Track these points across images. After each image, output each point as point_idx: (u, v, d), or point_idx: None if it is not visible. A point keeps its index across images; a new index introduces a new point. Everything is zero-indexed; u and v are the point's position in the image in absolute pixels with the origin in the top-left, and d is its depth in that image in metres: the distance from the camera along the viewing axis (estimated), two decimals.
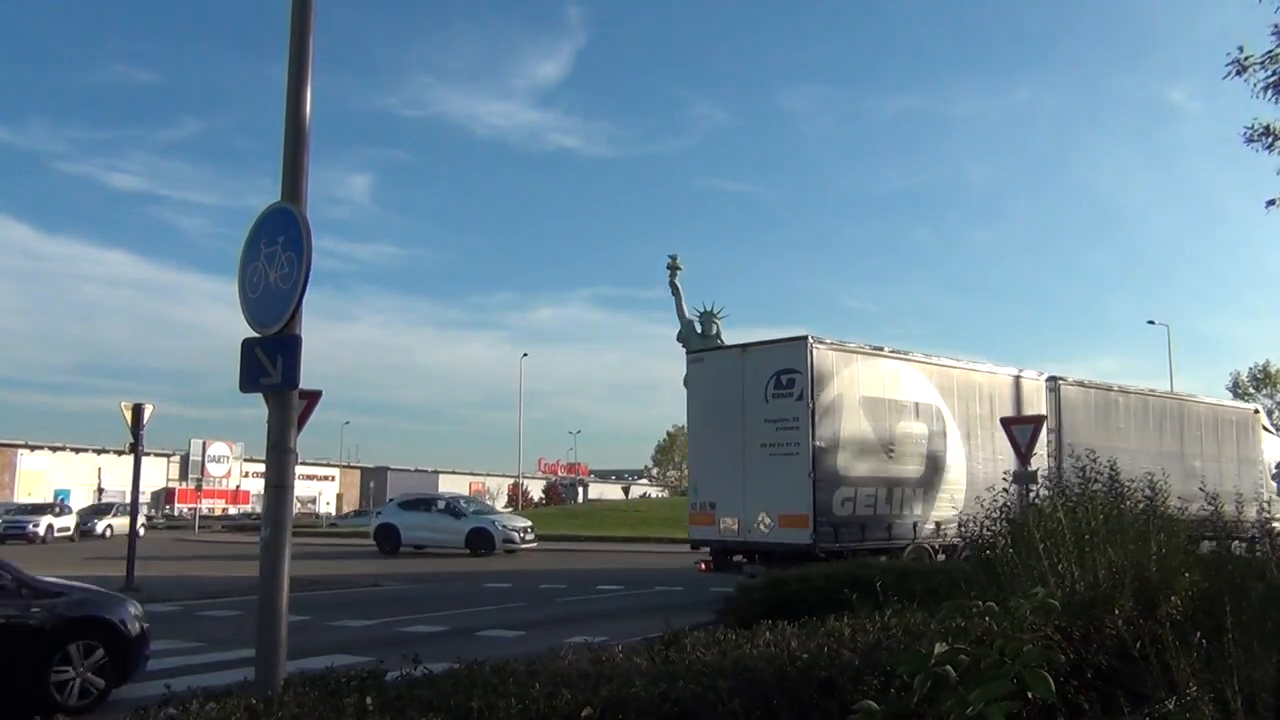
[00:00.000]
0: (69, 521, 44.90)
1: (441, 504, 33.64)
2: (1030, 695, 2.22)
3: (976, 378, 19.79)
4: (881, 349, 18.29)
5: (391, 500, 37.76)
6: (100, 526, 46.40)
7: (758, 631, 4.43)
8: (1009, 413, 19.08)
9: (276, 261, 6.20)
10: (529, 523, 33.75)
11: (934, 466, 18.01)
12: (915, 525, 17.23)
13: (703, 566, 17.60)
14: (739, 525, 16.78)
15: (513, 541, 31.49)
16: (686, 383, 18.29)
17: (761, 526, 16.38)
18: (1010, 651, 2.17)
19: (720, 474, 17.33)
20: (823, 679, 3.59)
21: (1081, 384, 22.26)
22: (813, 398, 16.05)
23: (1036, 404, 20.68)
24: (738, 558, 16.87)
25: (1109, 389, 23.05)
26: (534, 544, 32.42)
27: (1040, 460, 17.73)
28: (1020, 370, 21.06)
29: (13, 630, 8.14)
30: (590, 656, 3.70)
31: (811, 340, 16.51)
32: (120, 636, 8.89)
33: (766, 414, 16.39)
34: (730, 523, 16.93)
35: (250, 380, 6.26)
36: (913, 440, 17.68)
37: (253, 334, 6.24)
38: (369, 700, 2.82)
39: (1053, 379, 21.47)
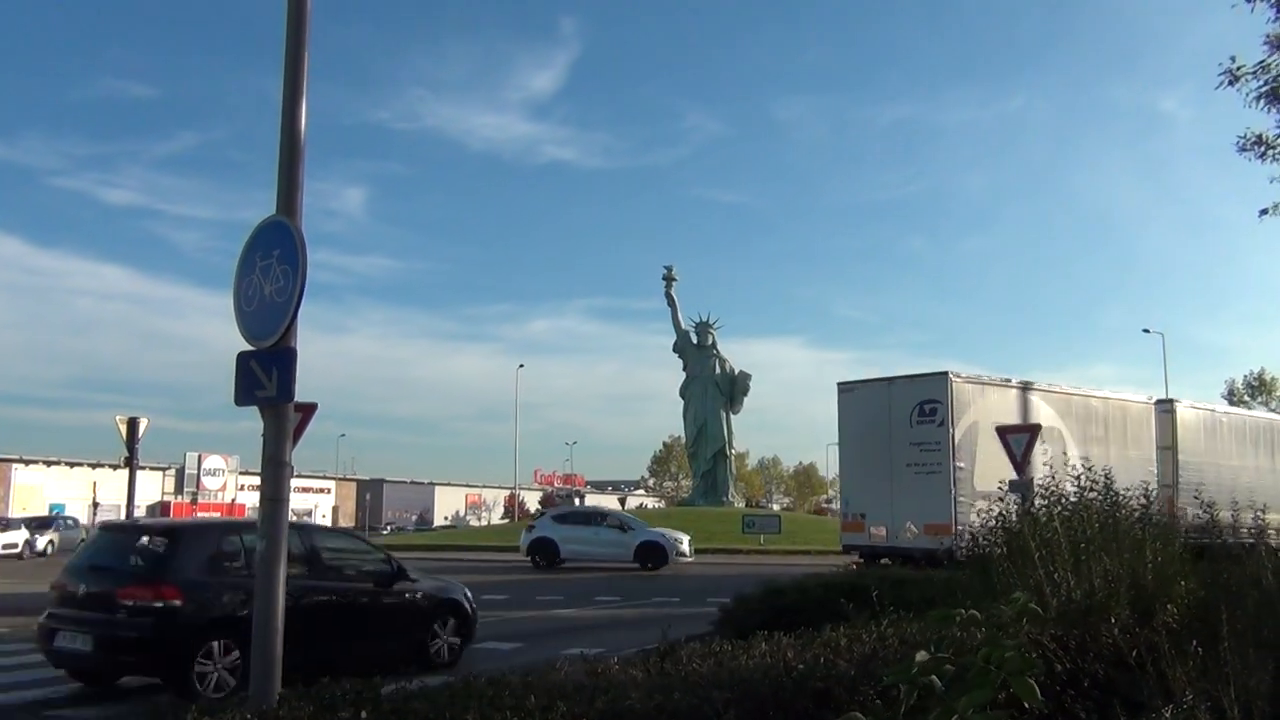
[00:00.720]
0: (17, 537, 41.71)
1: (603, 517, 32.51)
2: (1026, 705, 2.22)
3: (1093, 403, 22.09)
4: (1010, 380, 20.87)
5: (543, 514, 35.71)
6: (41, 542, 42.76)
7: (754, 642, 4.42)
8: (1121, 433, 21.79)
9: (272, 275, 6.20)
10: (689, 535, 32.06)
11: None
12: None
13: (854, 567, 19.14)
14: (887, 532, 19.16)
15: (684, 555, 30.22)
16: (838, 411, 20.67)
17: (908, 534, 18.67)
18: (994, 659, 2.17)
19: (870, 489, 19.66)
20: (818, 690, 3.58)
21: (1195, 406, 24.75)
22: (953, 424, 18.56)
23: (1146, 425, 22.92)
24: (884, 560, 18.23)
25: (1213, 410, 25.72)
26: (693, 557, 31.12)
27: (1146, 473, 19.38)
28: (1131, 395, 23.57)
29: (410, 607, 11.44)
30: (586, 668, 3.69)
31: (951, 375, 19.09)
32: (466, 614, 12.07)
33: (911, 438, 18.92)
34: (879, 530, 19.33)
35: (245, 393, 6.25)
36: (1043, 458, 18.97)
37: (248, 347, 6.24)
38: (364, 714, 2.80)
39: (1165, 402, 23.93)
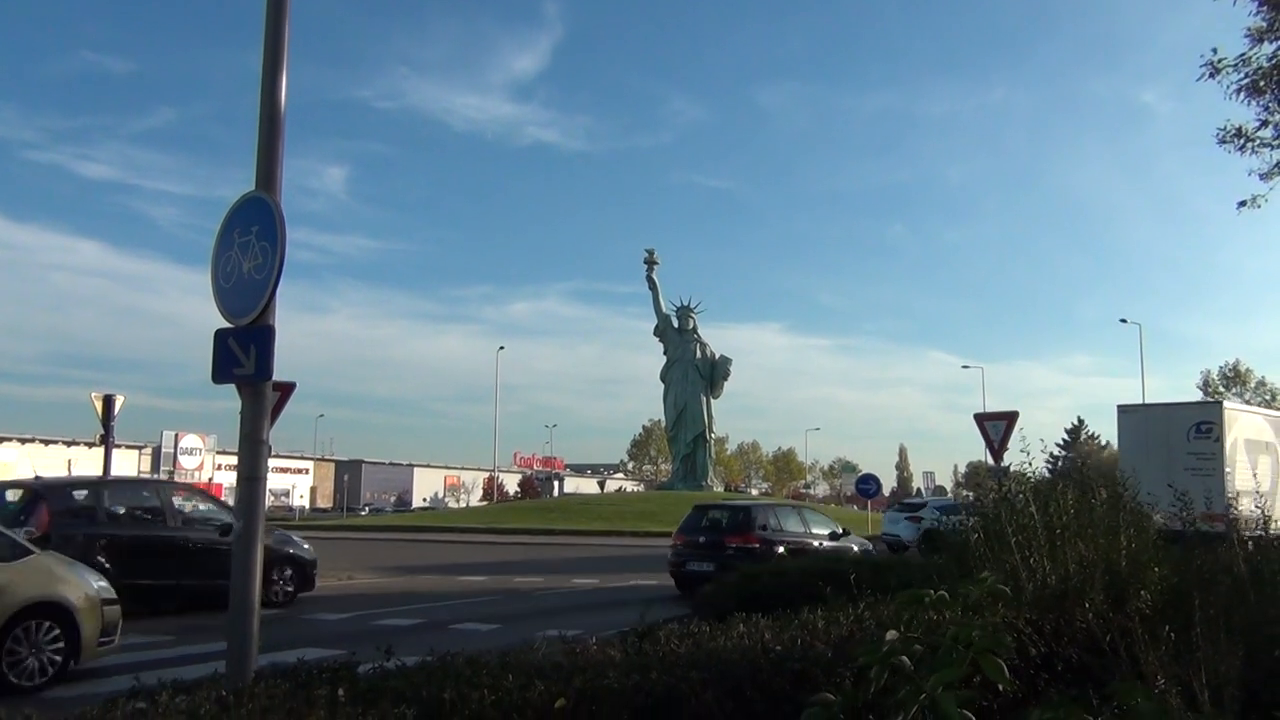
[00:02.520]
0: None
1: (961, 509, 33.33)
2: (1000, 688, 2.23)
3: None
4: (1255, 407, 29.24)
5: (925, 504, 35.50)
6: None
7: (732, 624, 4.43)
8: None
9: (250, 251, 6.14)
10: None
11: (1275, 483, 25.81)
12: (1266, 522, 23.01)
13: None
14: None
15: None
16: (1119, 427, 26.44)
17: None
18: (963, 638, 2.17)
19: (1151, 490, 24.99)
20: (796, 671, 3.59)
21: None
22: (1222, 439, 24.29)
23: None
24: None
25: None
26: None
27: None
28: None
29: (849, 552, 17.73)
30: (564, 649, 3.68)
31: (1225, 403, 26.51)
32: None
33: (1188, 449, 24.46)
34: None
35: (223, 371, 6.20)
36: (1266, 466, 25.81)
37: (226, 324, 6.18)
38: (340, 692, 2.79)
39: None
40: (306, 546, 16.49)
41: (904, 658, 2.14)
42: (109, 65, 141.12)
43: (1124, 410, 27.46)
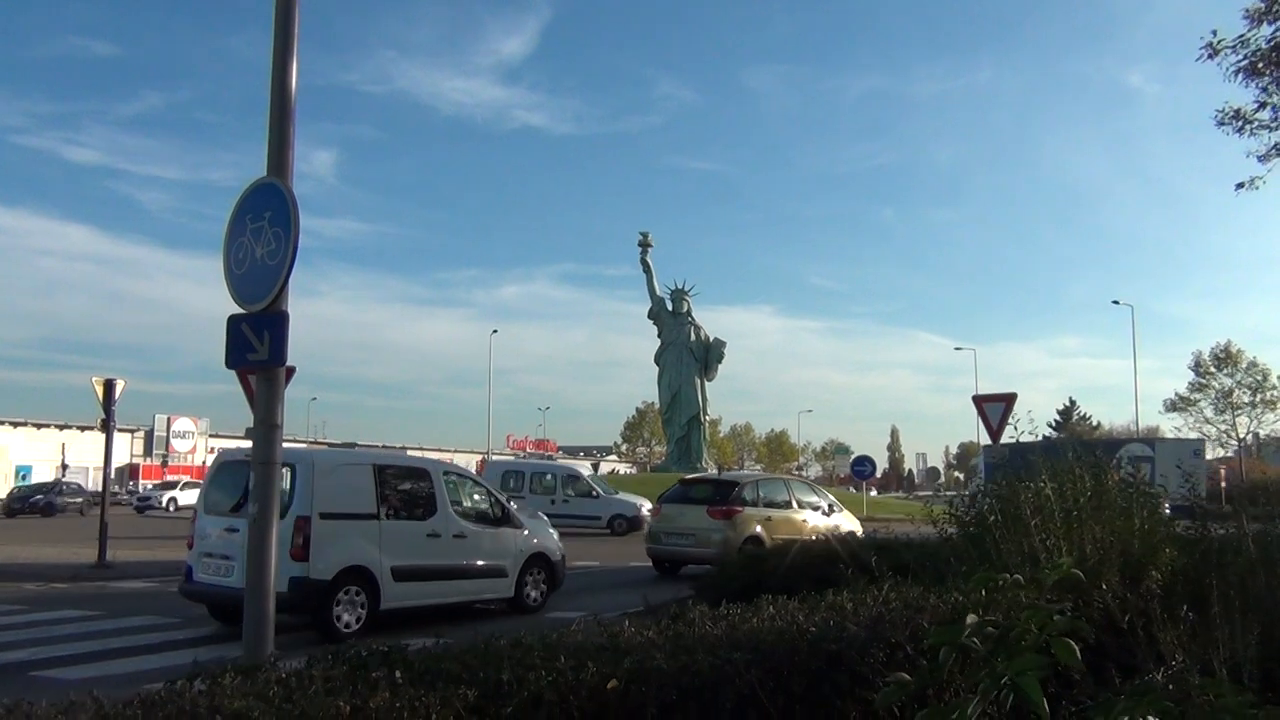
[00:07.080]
0: None
1: None
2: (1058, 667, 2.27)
3: None
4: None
5: None
6: None
7: (761, 605, 4.47)
8: None
9: (263, 237, 6.14)
10: None
11: None
12: None
13: None
14: None
15: None
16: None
17: None
18: (1039, 621, 2.22)
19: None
20: (831, 652, 3.63)
21: None
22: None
23: None
24: None
25: None
26: None
27: None
28: None
29: None
30: (603, 630, 3.73)
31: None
32: None
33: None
34: None
35: (237, 356, 6.21)
36: None
37: (239, 310, 6.17)
38: (398, 674, 2.82)
39: None
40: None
41: (974, 640, 2.18)
42: (95, 49, 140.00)
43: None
